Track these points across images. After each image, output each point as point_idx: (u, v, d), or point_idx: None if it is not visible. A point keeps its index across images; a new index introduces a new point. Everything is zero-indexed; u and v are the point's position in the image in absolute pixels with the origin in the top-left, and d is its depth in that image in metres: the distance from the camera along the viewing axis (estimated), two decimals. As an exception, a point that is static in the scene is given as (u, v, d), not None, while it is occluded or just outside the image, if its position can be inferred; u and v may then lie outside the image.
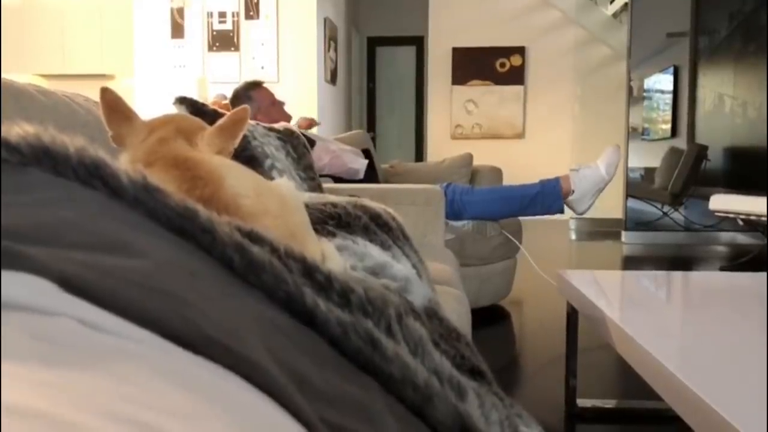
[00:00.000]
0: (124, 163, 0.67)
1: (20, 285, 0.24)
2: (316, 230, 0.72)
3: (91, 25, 6.84)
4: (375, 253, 0.67)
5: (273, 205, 0.58)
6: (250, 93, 3.13)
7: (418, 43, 8.61)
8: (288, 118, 3.20)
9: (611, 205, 6.31)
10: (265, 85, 3.22)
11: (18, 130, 0.38)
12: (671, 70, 5.94)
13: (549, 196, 2.75)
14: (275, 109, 3.18)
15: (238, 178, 0.58)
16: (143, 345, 0.25)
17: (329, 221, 0.75)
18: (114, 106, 0.69)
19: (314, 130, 3.82)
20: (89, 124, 1.20)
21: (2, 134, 0.39)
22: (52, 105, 1.18)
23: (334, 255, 0.60)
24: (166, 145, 0.67)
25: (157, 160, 0.62)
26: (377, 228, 0.76)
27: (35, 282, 0.24)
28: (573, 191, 2.72)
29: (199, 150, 0.68)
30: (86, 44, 6.89)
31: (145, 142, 0.68)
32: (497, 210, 2.86)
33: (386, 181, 3.71)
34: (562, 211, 2.81)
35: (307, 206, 0.77)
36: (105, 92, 0.69)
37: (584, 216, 5.37)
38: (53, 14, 6.77)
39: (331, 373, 0.31)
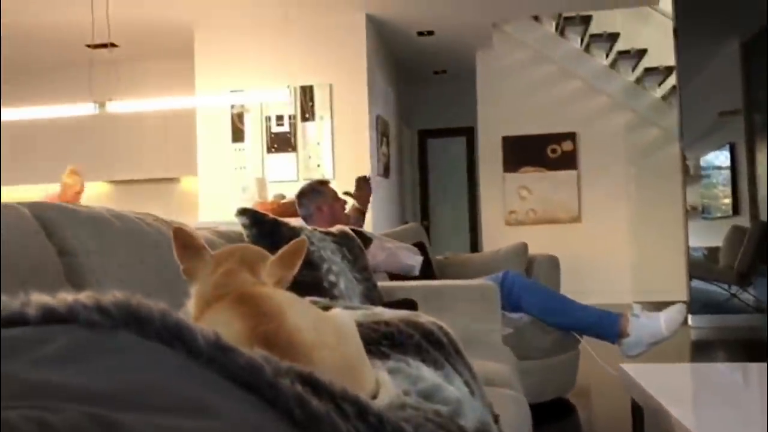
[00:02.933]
0: (194, 296, 0.74)
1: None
2: (369, 351, 0.75)
3: (157, 133, 7.28)
4: (428, 375, 0.70)
5: (330, 338, 0.63)
6: (318, 187, 3.32)
7: (469, 133, 8.79)
8: (347, 218, 3.33)
9: (674, 288, 6.13)
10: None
11: (110, 296, 0.44)
12: (727, 147, 5.88)
13: (605, 330, 2.77)
14: (338, 204, 3.33)
15: (298, 313, 0.63)
16: None
17: (383, 341, 0.78)
18: (185, 242, 0.76)
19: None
20: (160, 245, 1.29)
21: (97, 299, 0.45)
22: (125, 229, 1.27)
23: (387, 383, 0.64)
24: (232, 277, 0.73)
25: (226, 294, 0.68)
26: (429, 345, 0.80)
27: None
28: (629, 334, 2.71)
29: (262, 280, 0.74)
30: (153, 151, 7.31)
31: (213, 274, 0.74)
32: (551, 319, 2.87)
33: (441, 273, 3.72)
34: (612, 343, 2.81)
35: (360, 325, 0.81)
36: (177, 231, 0.76)
37: (647, 301, 5.23)
38: (123, 125, 7.24)
39: None
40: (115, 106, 5.91)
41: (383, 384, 0.63)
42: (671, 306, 2.75)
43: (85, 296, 0.45)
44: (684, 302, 2.84)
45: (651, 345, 2.73)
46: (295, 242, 0.79)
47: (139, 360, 0.40)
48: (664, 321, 2.69)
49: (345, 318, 0.70)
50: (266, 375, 0.40)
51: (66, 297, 0.44)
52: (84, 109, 5.99)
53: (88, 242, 1.12)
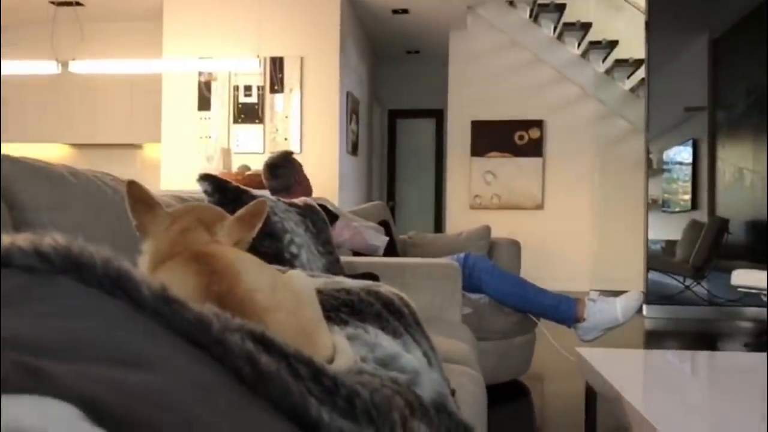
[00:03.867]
0: (147, 252, 0.70)
1: (43, 414, 0.26)
2: (328, 318, 0.73)
3: (121, 96, 7.10)
4: (386, 343, 0.68)
5: (286, 300, 0.60)
6: (292, 159, 3.28)
7: (438, 115, 8.79)
8: (311, 190, 3.32)
9: (631, 279, 6.25)
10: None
11: (49, 240, 0.41)
12: (690, 142, 5.98)
13: (562, 314, 2.81)
14: (304, 177, 3.32)
15: (254, 273, 0.61)
16: None
17: (342, 308, 0.76)
18: (139, 197, 0.73)
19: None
20: (116, 204, 1.24)
21: (35, 243, 0.42)
22: (82, 186, 1.23)
23: (344, 348, 0.62)
24: (187, 235, 0.70)
25: (180, 252, 0.65)
26: (389, 315, 0.78)
27: (58, 409, 0.26)
28: (584, 319, 2.75)
29: (219, 240, 0.71)
30: (116, 115, 7.14)
31: (168, 231, 0.71)
32: (510, 302, 2.89)
33: (404, 252, 3.72)
34: (569, 327, 2.85)
35: (320, 292, 0.79)
36: (130, 185, 0.73)
37: (605, 289, 5.32)
38: (86, 86, 7.04)
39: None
40: (78, 66, 5.74)
41: (340, 349, 0.61)
42: (628, 293, 2.79)
43: (22, 239, 0.42)
44: (641, 292, 2.89)
45: (606, 330, 2.78)
46: (256, 203, 0.76)
47: (77, 308, 0.37)
48: (620, 307, 2.73)
49: (304, 281, 0.68)
50: (214, 330, 0.37)
51: (1, 239, 0.41)
52: (46, 67, 5.80)
53: (40, 197, 1.08)
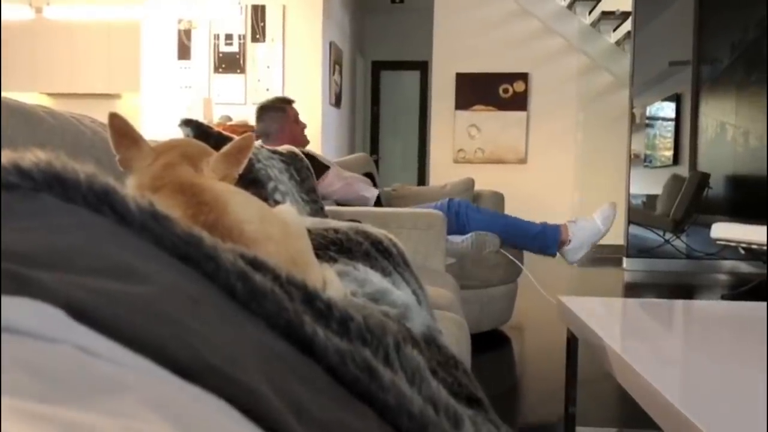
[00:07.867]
0: (131, 187, 0.69)
1: (27, 311, 0.25)
2: (317, 256, 0.72)
3: (98, 44, 6.92)
4: (375, 279, 0.68)
5: (276, 231, 0.59)
6: (283, 106, 3.22)
7: (423, 67, 8.68)
8: (305, 141, 3.27)
9: (613, 232, 6.31)
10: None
11: (31, 156, 0.39)
12: (674, 97, 5.98)
13: (548, 239, 2.93)
14: (298, 127, 3.25)
15: (242, 205, 0.59)
16: (141, 374, 0.26)
17: (331, 247, 0.75)
18: (122, 130, 0.71)
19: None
20: (95, 146, 1.21)
21: (15, 160, 0.40)
22: (60, 127, 1.19)
23: (335, 281, 0.61)
24: (171, 170, 0.68)
25: (164, 185, 0.63)
26: (378, 254, 0.77)
27: (42, 308, 0.25)
28: (570, 241, 2.88)
29: (204, 175, 0.69)
30: (94, 63, 6.96)
31: (152, 166, 0.69)
32: (497, 232, 2.95)
33: (388, 204, 3.71)
34: (554, 256, 2.96)
35: (309, 231, 0.78)
36: (113, 117, 0.71)
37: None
38: (62, 33, 6.84)
39: (329, 401, 0.32)
40: (53, 12, 5.56)
41: (331, 284, 0.60)
42: (602, 205, 2.96)
43: (1, 156, 0.40)
44: (613, 202, 3.07)
45: (592, 245, 2.93)
46: (241, 138, 0.74)
47: (61, 224, 0.36)
48: (599, 219, 2.92)
49: (292, 215, 0.67)
50: (205, 246, 0.36)
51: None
52: (19, 12, 5.62)
53: (15, 135, 1.04)
